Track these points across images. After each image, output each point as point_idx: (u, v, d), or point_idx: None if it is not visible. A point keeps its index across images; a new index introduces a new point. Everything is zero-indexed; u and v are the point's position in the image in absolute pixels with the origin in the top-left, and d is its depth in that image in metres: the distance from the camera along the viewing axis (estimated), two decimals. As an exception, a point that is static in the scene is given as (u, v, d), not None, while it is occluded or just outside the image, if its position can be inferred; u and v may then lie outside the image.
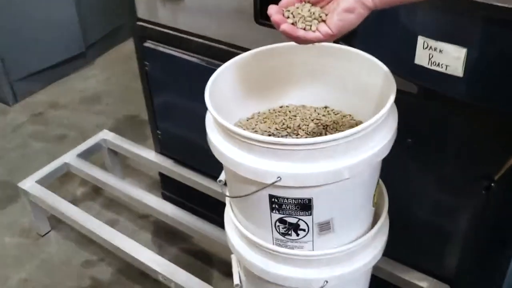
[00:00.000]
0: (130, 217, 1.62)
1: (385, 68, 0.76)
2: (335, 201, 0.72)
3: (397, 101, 0.92)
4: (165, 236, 1.54)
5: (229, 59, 1.14)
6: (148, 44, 1.27)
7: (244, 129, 0.82)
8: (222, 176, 0.83)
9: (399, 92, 0.88)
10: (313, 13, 0.65)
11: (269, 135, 0.80)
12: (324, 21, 0.64)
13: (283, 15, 0.66)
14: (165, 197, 1.66)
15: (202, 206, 1.56)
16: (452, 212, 1.02)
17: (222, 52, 1.15)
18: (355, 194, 0.74)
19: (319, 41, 0.65)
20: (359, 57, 0.80)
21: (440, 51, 0.75)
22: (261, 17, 1.04)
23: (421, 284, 1.09)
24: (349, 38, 0.91)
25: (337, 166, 0.65)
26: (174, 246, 1.52)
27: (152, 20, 1.24)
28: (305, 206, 0.70)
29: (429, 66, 0.77)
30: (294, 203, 0.70)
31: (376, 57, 0.83)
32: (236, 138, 0.68)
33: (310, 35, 0.64)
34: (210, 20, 1.14)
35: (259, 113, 0.88)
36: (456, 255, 1.07)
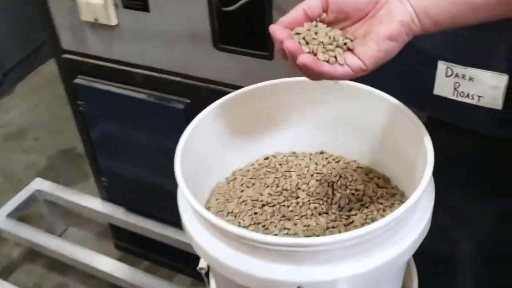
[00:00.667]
0: (80, 277, 1.38)
1: (412, 116, 0.58)
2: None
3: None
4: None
5: (182, 91, 0.95)
6: (79, 80, 1.04)
7: (226, 200, 0.63)
8: (203, 264, 0.64)
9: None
10: (335, 39, 0.47)
11: (263, 205, 0.61)
12: (350, 49, 0.47)
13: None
14: (118, 247, 1.44)
15: (162, 255, 1.36)
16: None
17: (174, 84, 0.95)
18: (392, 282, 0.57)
19: (347, 77, 0.47)
20: (372, 95, 0.63)
21: (471, 79, 0.59)
22: (221, 42, 0.85)
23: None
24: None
25: (376, 262, 0.48)
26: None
27: (82, 51, 1.00)
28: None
29: (454, 97, 0.61)
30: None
31: (384, 86, 0.66)
32: (231, 238, 0.49)
33: (338, 71, 0.46)
34: (156, 47, 0.92)
35: (241, 170, 0.69)
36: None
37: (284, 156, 0.70)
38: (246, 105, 0.67)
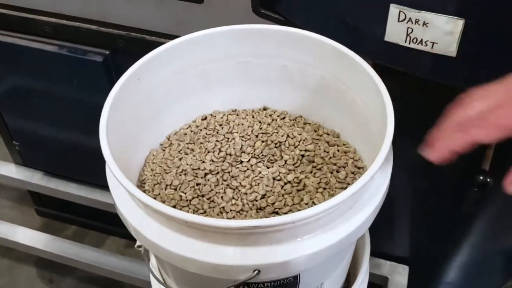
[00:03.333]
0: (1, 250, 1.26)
1: (366, 66, 0.53)
2: (326, 269, 0.51)
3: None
4: (53, 267, 1.22)
5: (99, 42, 0.84)
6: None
7: (167, 172, 0.55)
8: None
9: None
10: None
11: (205, 174, 0.54)
12: None
13: None
14: (41, 214, 1.33)
15: (90, 218, 1.27)
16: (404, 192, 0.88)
17: (90, 34, 0.82)
18: (349, 253, 0.53)
19: None
20: (319, 42, 0.57)
21: (425, 24, 0.54)
22: (143, -17, 0.73)
23: (381, 270, 0.97)
24: (287, 6, 0.67)
25: (335, 238, 0.43)
26: (68, 276, 1.21)
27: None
28: (290, 284, 0.48)
29: (406, 44, 0.57)
30: (275, 284, 0.48)
31: (329, 34, 0.60)
32: (174, 221, 0.42)
33: None
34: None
35: (177, 134, 0.61)
36: (412, 234, 0.95)
37: (224, 115, 0.63)
38: (177, 60, 0.58)
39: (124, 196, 0.47)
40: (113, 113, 0.48)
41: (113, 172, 0.43)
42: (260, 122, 0.62)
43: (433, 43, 0.55)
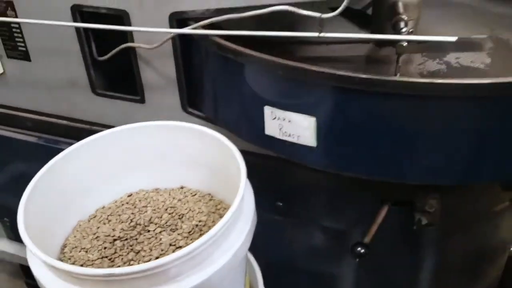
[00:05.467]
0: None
1: (232, 148, 0.68)
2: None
3: (261, 165, 0.86)
4: None
5: (68, 133, 1.01)
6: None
7: (82, 237, 0.69)
8: None
9: (261, 156, 0.81)
10: None
11: (114, 240, 0.68)
12: None
13: None
14: (30, 286, 1.45)
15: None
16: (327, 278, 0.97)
17: (61, 127, 1.00)
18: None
19: None
20: (208, 135, 0.72)
21: (289, 121, 0.69)
22: (99, 88, 0.92)
23: None
24: (205, 106, 0.84)
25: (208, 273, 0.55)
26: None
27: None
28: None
29: (280, 137, 0.71)
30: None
31: (232, 127, 0.75)
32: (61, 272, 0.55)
33: None
34: (41, 93, 0.98)
35: (103, 208, 0.76)
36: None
37: (147, 193, 0.78)
38: (104, 148, 0.74)
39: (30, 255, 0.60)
40: (34, 195, 0.63)
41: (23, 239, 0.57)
42: (173, 198, 0.76)
43: (298, 136, 0.69)
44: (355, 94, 0.61)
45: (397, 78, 0.58)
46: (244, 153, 0.85)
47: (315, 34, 0.65)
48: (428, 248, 0.91)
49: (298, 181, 0.84)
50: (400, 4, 0.82)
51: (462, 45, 0.83)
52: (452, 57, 0.86)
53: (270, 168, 0.85)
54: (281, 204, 0.89)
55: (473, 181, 0.67)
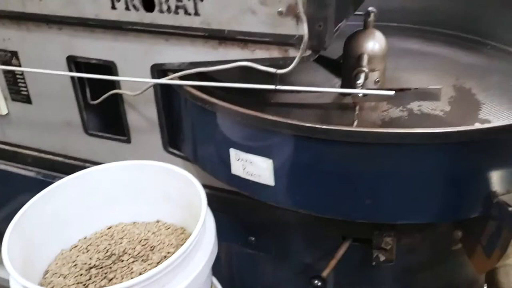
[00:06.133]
0: None
1: (198, 185, 0.76)
2: None
3: (235, 202, 0.93)
4: None
5: (63, 169, 1.10)
6: (-22, 160, 1.18)
7: (63, 264, 0.76)
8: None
9: (234, 193, 0.88)
10: None
11: (90, 268, 0.75)
12: None
13: None
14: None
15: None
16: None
17: (58, 163, 1.10)
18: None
19: None
20: (177, 173, 0.80)
21: (251, 162, 0.76)
22: (90, 129, 1.01)
23: None
24: (184, 147, 0.92)
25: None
26: None
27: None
28: None
29: (244, 176, 0.78)
30: None
31: (206, 166, 0.83)
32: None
33: None
34: (41, 133, 1.08)
35: (85, 238, 0.83)
36: None
37: (125, 225, 0.85)
38: (95, 183, 0.82)
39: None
40: (20, 225, 0.71)
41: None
42: (148, 231, 0.83)
43: (259, 176, 0.76)
44: (304, 140, 0.69)
45: (335, 127, 0.65)
46: (220, 190, 0.94)
47: (272, 87, 0.73)
48: (392, 286, 0.96)
49: (267, 217, 0.91)
50: (365, 57, 0.91)
51: (420, 95, 0.91)
52: (415, 105, 0.94)
53: (242, 204, 0.92)
54: (253, 238, 0.95)
55: (411, 221, 0.74)
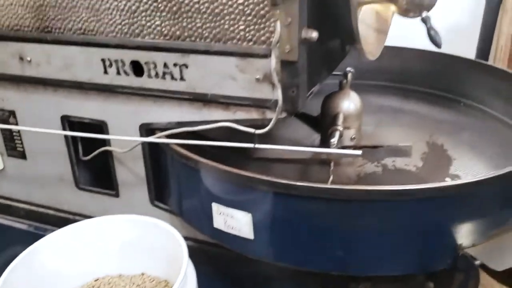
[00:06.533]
0: None
1: (180, 238, 0.80)
2: None
3: (219, 254, 0.96)
4: None
5: (55, 222, 1.14)
6: (-28, 213, 1.21)
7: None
8: None
9: (217, 246, 0.91)
10: None
11: (76, 321, 0.78)
12: None
13: None
14: None
15: None
16: None
17: (49, 216, 1.13)
18: None
19: None
20: (160, 227, 0.84)
21: (232, 216, 0.81)
22: (81, 183, 1.06)
23: None
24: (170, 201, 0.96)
25: None
26: None
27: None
28: None
29: (225, 230, 0.82)
30: None
31: (190, 220, 0.87)
32: None
33: None
34: (35, 187, 1.12)
35: (73, 290, 0.86)
36: None
37: (112, 278, 0.88)
38: (83, 236, 0.86)
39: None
40: (9, 279, 0.75)
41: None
42: (133, 283, 0.86)
43: (239, 229, 0.81)
44: (279, 195, 0.74)
45: (306, 184, 0.70)
46: (204, 243, 0.97)
47: (251, 145, 0.79)
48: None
49: (249, 269, 0.94)
50: (340, 116, 0.98)
51: (393, 151, 0.97)
52: (389, 160, 0.99)
53: (225, 257, 0.95)
54: (237, 291, 0.98)
55: (382, 273, 0.77)
